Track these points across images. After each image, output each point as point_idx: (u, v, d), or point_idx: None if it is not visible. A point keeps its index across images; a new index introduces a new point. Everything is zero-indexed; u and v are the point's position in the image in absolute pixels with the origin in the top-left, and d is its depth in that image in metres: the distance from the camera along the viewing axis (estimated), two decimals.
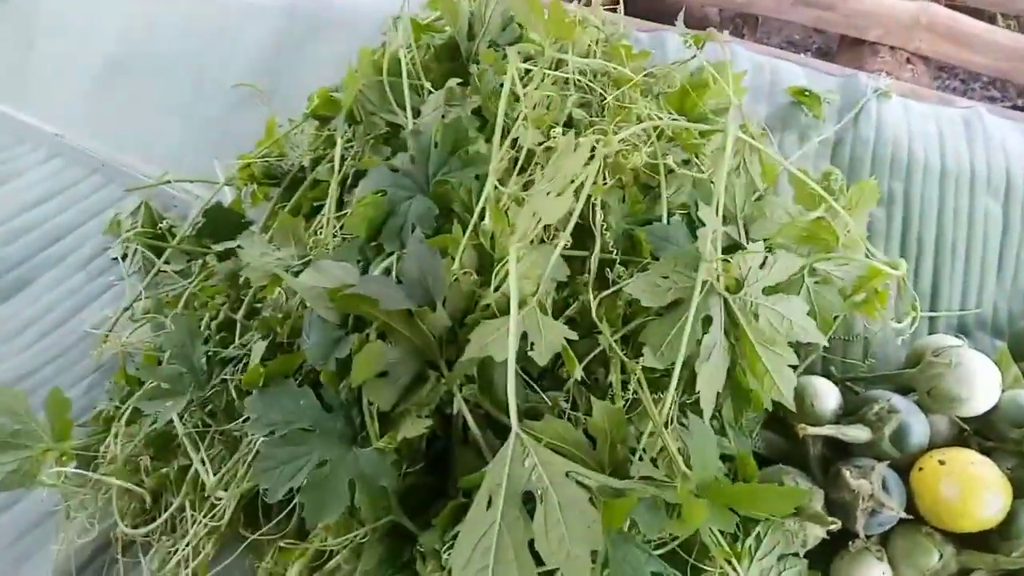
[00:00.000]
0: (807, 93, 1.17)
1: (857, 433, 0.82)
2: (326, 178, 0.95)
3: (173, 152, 1.40)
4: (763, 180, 0.91)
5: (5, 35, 1.77)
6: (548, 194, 0.72)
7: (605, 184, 0.82)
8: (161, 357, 0.91)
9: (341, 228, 0.86)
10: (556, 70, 0.90)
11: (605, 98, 0.87)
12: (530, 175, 0.80)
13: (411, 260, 0.72)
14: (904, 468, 0.81)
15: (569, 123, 0.90)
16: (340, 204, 0.91)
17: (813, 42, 2.79)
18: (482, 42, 1.00)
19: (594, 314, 0.77)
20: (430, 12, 1.17)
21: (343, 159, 0.93)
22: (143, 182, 1.21)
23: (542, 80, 0.86)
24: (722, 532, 0.72)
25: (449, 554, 0.64)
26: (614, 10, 1.11)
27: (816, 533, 0.78)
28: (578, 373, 0.75)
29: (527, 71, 0.87)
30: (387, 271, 0.77)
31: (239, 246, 0.86)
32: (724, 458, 0.78)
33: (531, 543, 0.58)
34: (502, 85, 0.82)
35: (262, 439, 0.71)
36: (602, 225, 0.81)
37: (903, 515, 0.78)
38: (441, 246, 0.75)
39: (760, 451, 0.87)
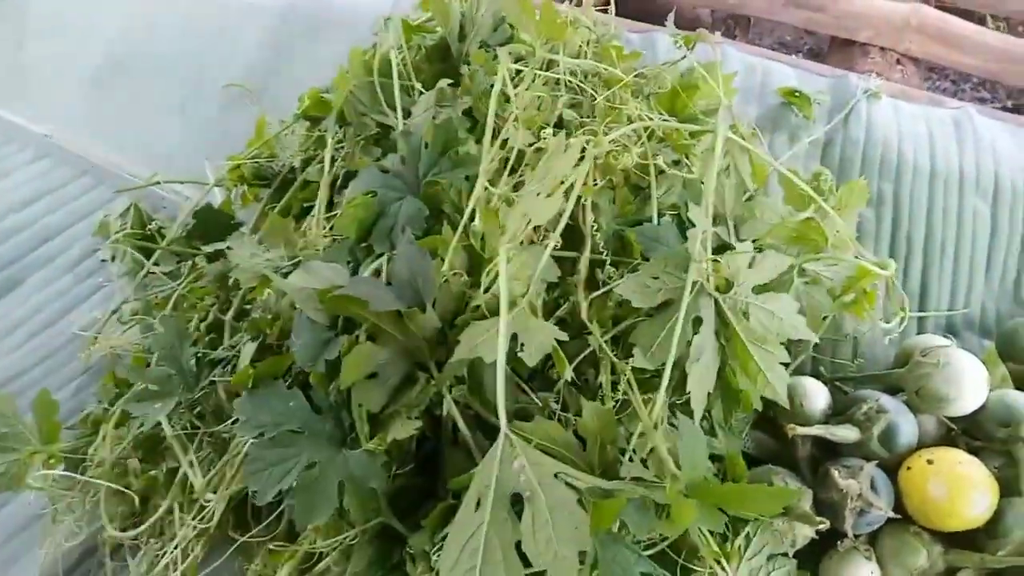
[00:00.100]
0: (797, 94, 1.17)
1: (846, 433, 0.82)
2: (316, 179, 0.95)
3: (166, 153, 1.39)
4: (753, 181, 0.91)
5: None
6: (538, 195, 0.72)
7: (595, 185, 0.82)
8: (150, 359, 0.90)
9: (331, 229, 0.86)
10: (547, 71, 0.90)
11: (596, 99, 0.87)
12: (520, 176, 0.80)
13: (401, 261, 0.72)
14: (892, 468, 0.82)
15: (560, 124, 0.90)
16: (330, 205, 0.91)
17: (805, 43, 2.80)
18: (473, 43, 1.00)
19: (584, 315, 0.77)
20: (422, 13, 1.17)
21: (333, 160, 0.93)
22: (133, 183, 1.20)
23: (533, 81, 0.86)
24: (711, 532, 0.72)
25: (439, 555, 0.64)
26: (605, 11, 1.12)
27: (805, 533, 0.78)
28: (568, 374, 0.75)
29: (518, 72, 0.87)
30: (377, 272, 0.77)
31: (228, 247, 0.86)
32: (714, 458, 0.78)
33: (519, 544, 0.58)
34: (492, 86, 0.82)
35: (251, 441, 0.71)
36: (592, 226, 0.81)
37: (891, 515, 0.78)
38: (431, 247, 0.75)
39: (750, 451, 0.87)
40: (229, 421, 0.79)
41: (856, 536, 0.80)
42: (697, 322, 0.73)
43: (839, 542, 0.80)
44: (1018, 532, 0.73)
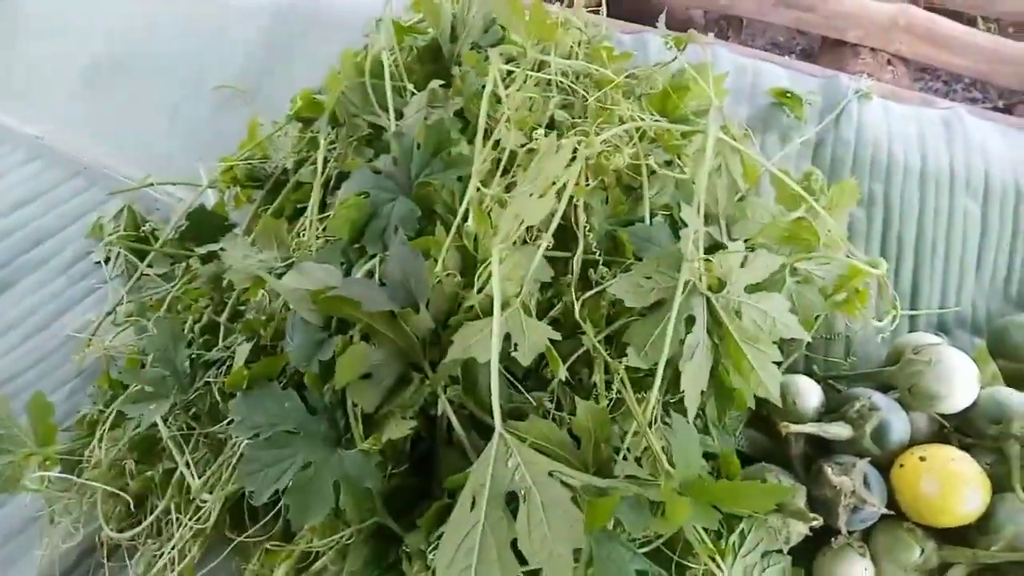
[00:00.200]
0: (788, 94, 1.18)
1: (839, 431, 0.82)
2: (309, 180, 0.95)
3: (159, 155, 1.39)
4: (744, 181, 0.91)
5: None
6: (530, 195, 0.72)
7: (588, 185, 0.82)
8: (144, 361, 0.90)
9: (324, 230, 0.86)
10: (538, 71, 0.90)
11: (587, 100, 0.87)
12: (513, 176, 0.80)
13: (394, 262, 0.72)
14: (885, 465, 0.82)
15: (552, 125, 0.90)
16: (323, 206, 0.91)
17: (797, 44, 2.81)
18: (464, 44, 1.00)
19: (577, 314, 0.77)
20: (414, 14, 1.17)
21: (326, 161, 0.93)
22: (126, 185, 1.20)
23: (524, 82, 0.86)
24: (706, 529, 0.72)
25: (434, 555, 0.64)
26: (597, 11, 1.12)
27: (799, 530, 0.79)
28: (562, 373, 0.75)
29: (509, 72, 0.87)
30: (370, 273, 0.77)
31: (222, 249, 0.86)
32: (708, 456, 0.78)
33: (514, 543, 0.58)
34: (484, 87, 0.82)
35: (246, 442, 0.71)
36: (585, 226, 0.82)
37: (884, 511, 0.79)
38: (424, 248, 0.75)
39: (743, 449, 0.88)
40: (224, 422, 0.80)
41: (850, 533, 0.80)
42: (690, 321, 0.73)
43: (833, 539, 0.80)
44: (1010, 528, 0.74)
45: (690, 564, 0.73)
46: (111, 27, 1.65)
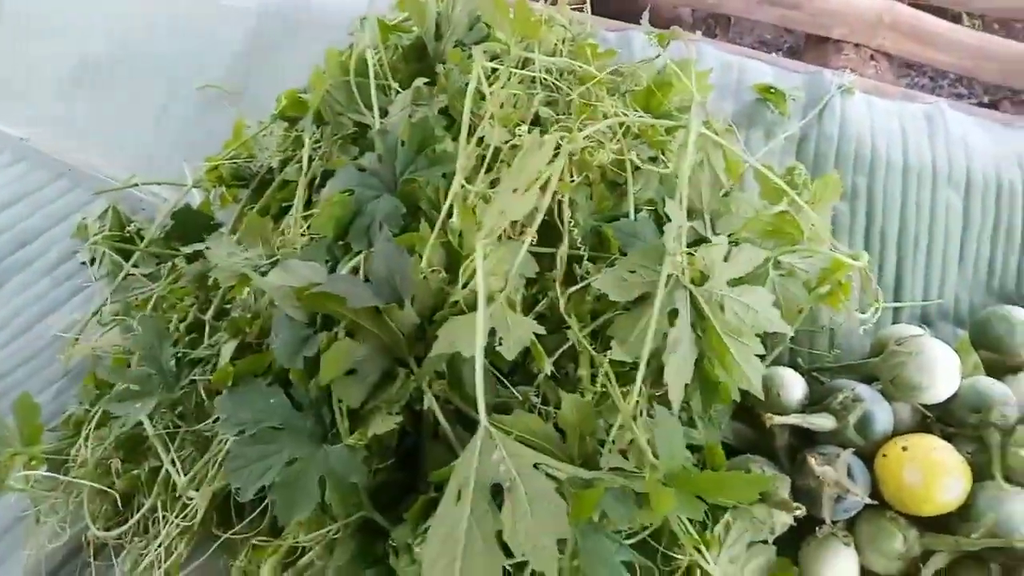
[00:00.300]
0: (772, 90, 1.19)
1: (822, 422, 0.83)
2: (294, 179, 0.95)
3: (144, 155, 1.39)
4: (728, 175, 0.92)
5: None
6: (514, 191, 0.72)
7: (572, 182, 0.83)
8: (130, 360, 0.90)
9: (309, 228, 0.86)
10: (522, 69, 0.91)
11: (571, 96, 0.87)
12: (497, 173, 0.81)
13: (378, 258, 0.72)
14: (869, 455, 0.83)
15: (536, 122, 0.91)
16: (308, 204, 0.91)
17: (784, 42, 2.83)
18: (449, 42, 1.00)
19: (562, 309, 0.78)
20: (398, 13, 1.17)
21: (311, 159, 0.93)
22: (111, 186, 1.19)
23: (508, 79, 0.87)
24: (691, 521, 0.73)
25: (421, 548, 0.65)
26: (581, 10, 1.12)
27: (783, 520, 0.79)
28: (548, 368, 0.75)
29: (494, 70, 0.88)
30: (355, 270, 0.77)
31: (207, 247, 0.86)
32: (694, 449, 0.79)
33: (500, 534, 0.58)
34: (468, 84, 0.82)
35: (232, 439, 0.71)
36: (570, 222, 0.82)
37: (868, 501, 0.80)
38: (408, 244, 0.76)
39: (729, 441, 0.88)
40: (210, 420, 0.80)
41: (834, 522, 0.81)
42: (673, 314, 0.74)
43: (817, 528, 0.81)
44: (990, 515, 0.75)
45: (676, 555, 0.74)
46: (96, 28, 1.65)
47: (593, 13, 1.16)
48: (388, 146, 0.84)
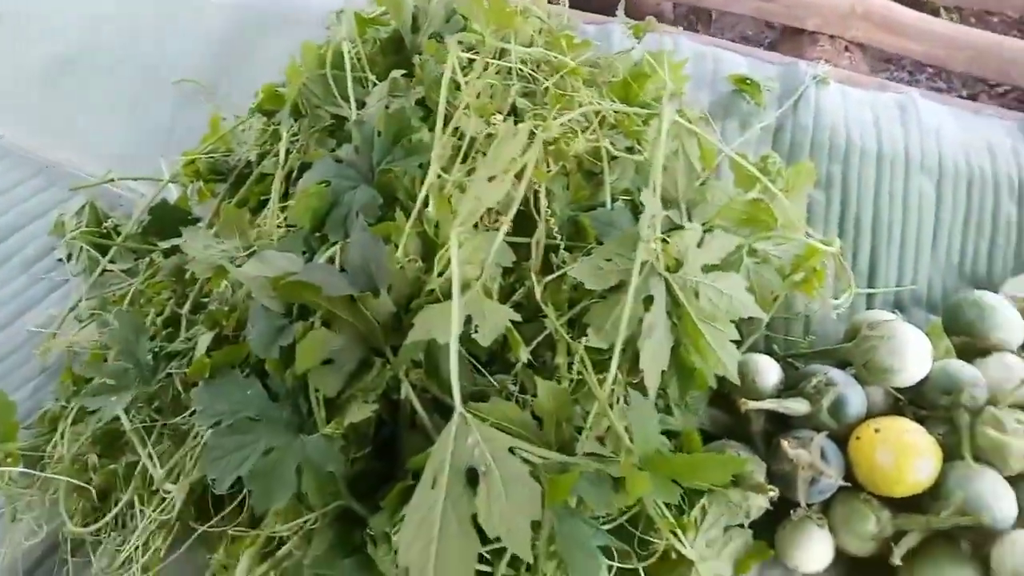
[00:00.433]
0: (748, 81, 1.20)
1: (796, 406, 0.84)
2: (272, 172, 0.95)
3: (121, 152, 1.38)
4: (702, 163, 0.93)
5: None
6: (489, 179, 0.73)
7: (549, 171, 0.83)
8: (108, 355, 0.90)
9: (286, 220, 0.86)
10: (499, 60, 0.91)
11: (546, 85, 0.88)
12: (473, 163, 0.81)
13: (354, 248, 0.72)
14: (843, 438, 0.84)
15: (514, 112, 0.91)
16: (286, 197, 0.91)
17: (765, 37, 2.84)
18: (426, 34, 1.00)
19: (539, 297, 0.78)
20: (376, 7, 1.17)
21: (288, 152, 0.93)
22: (88, 182, 1.19)
23: (484, 69, 0.87)
24: (668, 505, 0.74)
25: (399, 535, 0.65)
26: (557, 2, 1.13)
27: (759, 503, 0.81)
28: (524, 356, 0.76)
29: (470, 60, 0.88)
30: (331, 260, 0.77)
31: (184, 240, 0.86)
32: (671, 435, 0.79)
33: (475, 518, 0.59)
34: (443, 74, 0.83)
35: (209, 430, 0.71)
36: (547, 212, 0.83)
37: (842, 483, 0.81)
38: (384, 234, 0.76)
39: (706, 427, 0.89)
40: (187, 413, 0.79)
41: (809, 505, 0.82)
42: (648, 301, 0.75)
43: (792, 511, 0.82)
44: (959, 493, 0.76)
45: (653, 539, 0.75)
46: (71, 25, 1.63)
47: (573, 7, 1.16)
48: (365, 137, 0.84)
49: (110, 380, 0.82)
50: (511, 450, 0.61)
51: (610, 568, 0.71)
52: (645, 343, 0.73)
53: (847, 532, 0.81)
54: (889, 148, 1.13)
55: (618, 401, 0.74)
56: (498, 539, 0.58)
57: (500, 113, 0.85)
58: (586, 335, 0.74)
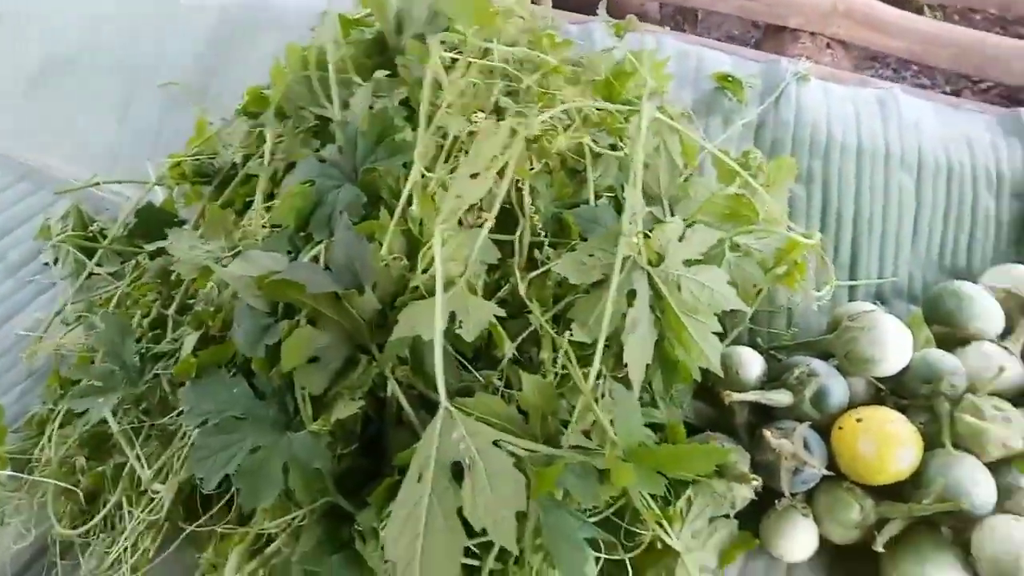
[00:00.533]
0: (730, 79, 1.21)
1: (779, 397, 0.85)
2: (258, 173, 0.95)
3: (106, 156, 1.38)
4: (684, 158, 0.94)
5: None
6: (472, 176, 0.74)
7: (532, 169, 0.84)
8: (95, 357, 0.90)
9: (271, 220, 0.87)
10: (481, 59, 0.92)
11: (527, 83, 0.89)
12: (457, 161, 0.82)
13: (338, 246, 0.73)
14: (826, 428, 0.85)
15: (497, 111, 0.92)
16: (271, 198, 0.91)
17: (752, 36, 2.86)
18: (409, 35, 1.01)
19: (523, 292, 0.79)
20: (361, 9, 1.17)
21: (273, 153, 0.93)
22: (72, 186, 1.19)
23: (467, 68, 0.88)
24: (653, 497, 0.75)
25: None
26: (539, 2, 1.14)
27: (744, 494, 0.82)
28: (510, 351, 0.77)
29: (453, 60, 0.89)
30: (316, 259, 0.78)
31: (169, 241, 0.86)
32: (657, 428, 0.80)
33: (461, 511, 0.60)
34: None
35: (196, 430, 0.72)
36: (531, 209, 0.83)
37: (825, 472, 0.82)
38: (368, 232, 0.76)
39: (690, 420, 0.90)
40: (174, 413, 0.80)
41: (793, 495, 0.83)
42: (631, 295, 0.75)
43: (777, 501, 0.83)
44: (939, 481, 0.77)
45: (639, 531, 0.75)
46: (55, 29, 1.63)
47: (556, 7, 1.17)
48: (348, 137, 0.84)
49: (97, 382, 0.83)
50: (496, 443, 0.62)
51: (597, 560, 0.71)
52: (629, 337, 0.74)
53: (831, 521, 0.82)
54: (869, 143, 1.14)
55: (603, 396, 0.75)
56: (485, 533, 0.59)
57: (483, 111, 0.86)
58: (571, 330, 0.75)
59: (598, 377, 0.73)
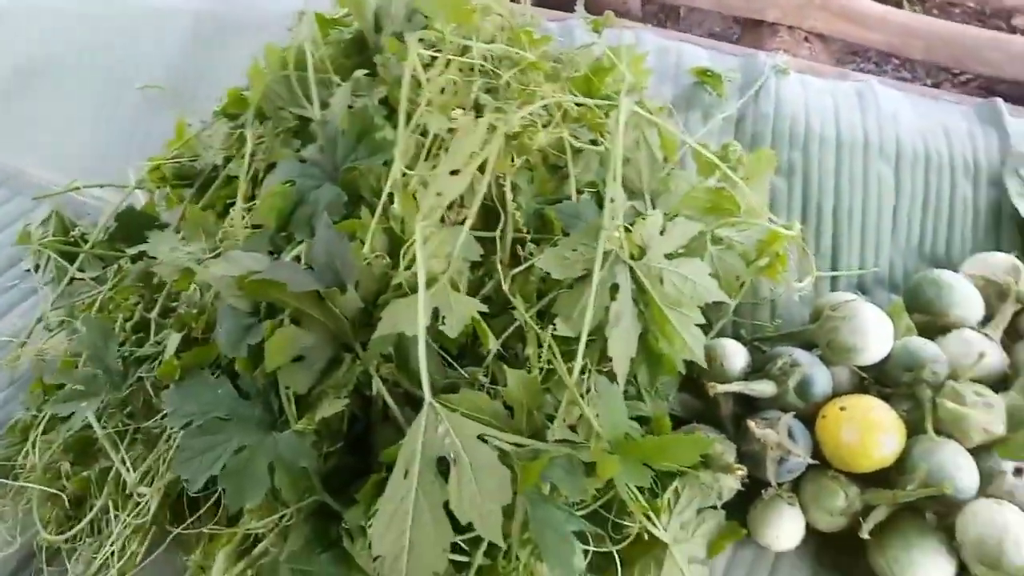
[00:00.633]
0: (709, 73, 1.22)
1: (763, 387, 0.86)
2: (238, 175, 0.95)
3: (86, 160, 1.37)
4: (663, 152, 0.94)
5: None
6: (452, 173, 0.74)
7: (513, 165, 0.84)
8: (78, 362, 0.89)
9: (251, 221, 0.86)
10: (461, 56, 0.92)
11: (505, 78, 0.89)
12: (437, 159, 0.82)
13: (319, 245, 0.73)
14: (810, 418, 0.86)
15: (477, 108, 0.92)
16: (252, 199, 0.91)
17: (733, 33, 2.87)
18: (388, 34, 1.01)
19: (506, 289, 0.79)
20: (339, 9, 1.17)
21: (253, 154, 0.93)
22: (52, 191, 1.18)
23: (446, 65, 0.88)
24: (641, 489, 0.75)
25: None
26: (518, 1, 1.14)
27: (730, 485, 0.82)
28: (495, 347, 0.77)
29: (432, 58, 0.89)
30: (298, 258, 0.77)
31: (150, 243, 0.85)
32: (643, 421, 0.81)
33: (448, 506, 0.60)
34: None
35: (180, 431, 0.71)
36: (513, 205, 0.84)
37: (810, 461, 0.83)
38: (349, 231, 0.76)
39: (676, 412, 0.90)
40: (159, 416, 0.79)
41: (779, 484, 0.84)
42: (614, 289, 0.76)
43: (763, 491, 0.83)
44: (922, 466, 0.78)
45: (627, 523, 0.76)
46: (27, 36, 1.62)
47: (536, 5, 1.17)
48: (328, 136, 0.84)
49: (80, 386, 0.82)
50: (481, 438, 0.62)
51: (585, 553, 0.72)
52: (613, 331, 0.74)
53: (817, 509, 0.83)
54: (848, 135, 1.15)
55: (589, 391, 0.75)
56: (473, 527, 0.59)
57: (463, 109, 0.86)
58: (555, 325, 0.75)
59: (583, 372, 0.74)
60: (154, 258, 0.85)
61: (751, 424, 0.81)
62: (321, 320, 0.71)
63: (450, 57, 0.88)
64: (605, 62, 1.01)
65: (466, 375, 0.78)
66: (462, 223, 0.77)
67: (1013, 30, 2.30)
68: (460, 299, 0.72)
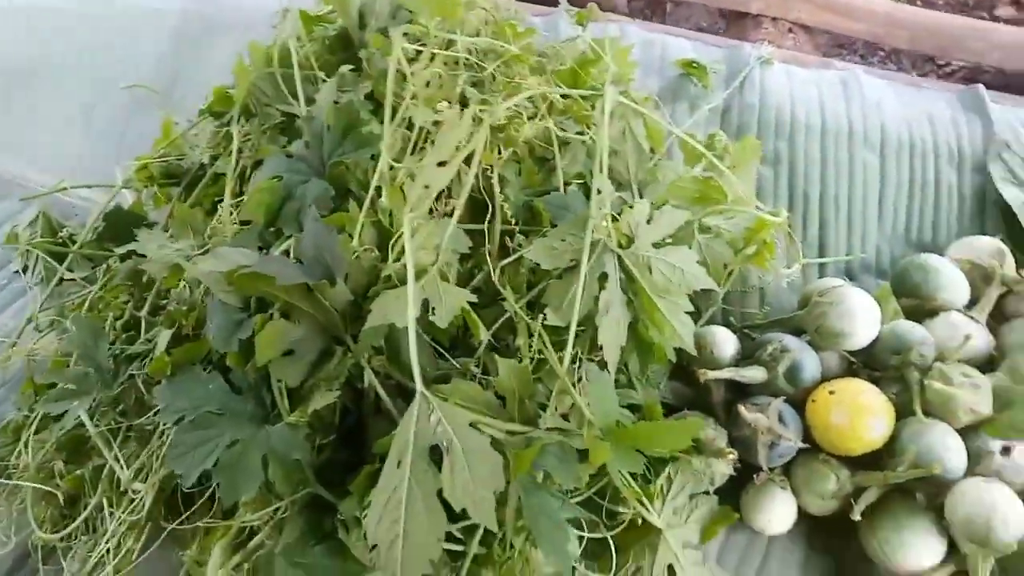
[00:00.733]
0: (695, 65, 1.23)
1: (753, 373, 0.87)
2: (225, 171, 0.95)
3: (73, 163, 1.36)
4: (650, 143, 0.95)
5: None
6: (438, 165, 0.74)
7: (500, 158, 0.84)
8: (70, 361, 0.89)
9: (240, 217, 0.86)
10: (445, 50, 0.92)
11: (489, 71, 0.89)
12: (424, 152, 0.82)
13: (307, 239, 0.73)
14: (800, 402, 0.87)
15: (462, 102, 0.92)
16: (240, 196, 0.91)
17: (720, 27, 2.88)
18: (372, 29, 1.01)
19: (495, 279, 0.79)
20: (323, 6, 1.17)
21: (240, 151, 0.93)
22: (38, 192, 1.17)
23: (431, 59, 0.88)
24: (634, 475, 0.75)
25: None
26: None
27: (722, 470, 0.83)
28: (486, 337, 0.77)
29: (417, 52, 0.89)
30: (286, 253, 0.78)
31: (139, 241, 0.85)
32: (635, 409, 0.81)
33: (441, 494, 0.60)
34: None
35: (173, 427, 0.71)
36: (501, 197, 0.84)
37: (800, 445, 0.83)
38: (338, 224, 0.76)
39: (668, 400, 0.91)
40: (151, 413, 0.79)
41: (771, 469, 0.85)
42: (603, 278, 0.76)
43: (755, 476, 0.84)
44: (912, 448, 0.78)
45: (620, 510, 0.76)
46: (12, 38, 1.61)
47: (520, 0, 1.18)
48: (315, 132, 0.85)
49: (72, 385, 0.82)
50: (474, 425, 0.63)
51: (580, 539, 0.72)
52: (602, 319, 0.74)
53: (808, 492, 0.84)
54: (833, 124, 1.16)
55: (580, 379, 0.75)
56: (467, 516, 0.59)
57: (448, 102, 0.86)
58: (545, 315, 0.76)
59: (574, 361, 0.74)
60: (143, 256, 0.85)
61: (741, 409, 0.82)
62: (311, 313, 0.71)
63: (435, 51, 0.88)
64: (590, 55, 1.02)
65: (458, 366, 0.78)
66: (450, 215, 0.77)
67: (996, 19, 2.32)
68: (449, 289, 0.72)
